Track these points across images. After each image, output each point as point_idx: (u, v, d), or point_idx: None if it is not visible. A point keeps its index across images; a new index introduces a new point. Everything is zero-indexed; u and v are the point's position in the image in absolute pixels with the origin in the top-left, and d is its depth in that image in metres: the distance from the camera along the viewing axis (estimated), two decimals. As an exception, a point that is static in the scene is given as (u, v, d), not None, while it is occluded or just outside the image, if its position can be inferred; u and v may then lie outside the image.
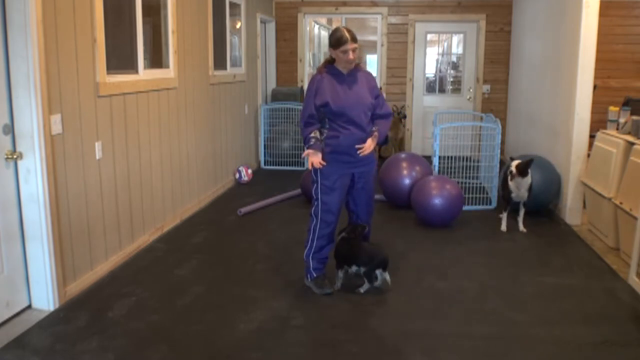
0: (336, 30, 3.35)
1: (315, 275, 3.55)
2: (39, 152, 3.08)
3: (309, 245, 3.54)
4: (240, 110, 6.78)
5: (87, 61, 3.51)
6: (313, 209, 3.49)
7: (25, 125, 3.06)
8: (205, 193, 5.64)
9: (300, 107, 7.49)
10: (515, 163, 4.64)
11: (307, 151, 3.37)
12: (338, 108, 3.31)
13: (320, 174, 3.41)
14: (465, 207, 5.39)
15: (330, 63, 3.43)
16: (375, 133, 3.47)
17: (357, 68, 3.46)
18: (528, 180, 4.63)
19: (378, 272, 3.46)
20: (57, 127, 3.22)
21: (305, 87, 8.50)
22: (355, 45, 3.29)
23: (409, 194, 5.17)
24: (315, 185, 3.46)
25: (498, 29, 8.08)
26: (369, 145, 3.42)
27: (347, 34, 3.28)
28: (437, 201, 4.77)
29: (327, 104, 3.32)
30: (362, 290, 3.50)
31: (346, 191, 3.51)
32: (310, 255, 3.53)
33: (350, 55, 3.29)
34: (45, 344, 2.86)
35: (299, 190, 5.86)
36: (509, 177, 4.65)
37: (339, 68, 3.40)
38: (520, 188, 4.66)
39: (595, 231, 4.70)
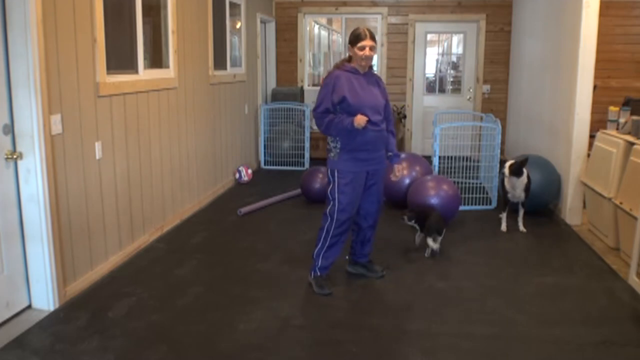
0: (356, 29, 3.48)
1: (319, 274, 3.56)
2: (39, 152, 3.08)
3: (320, 244, 3.55)
4: (240, 110, 6.78)
5: (87, 61, 3.51)
6: (328, 208, 3.50)
7: (25, 125, 3.06)
8: (205, 193, 5.64)
9: (300, 107, 7.61)
10: (508, 163, 4.64)
11: (356, 121, 3.32)
12: (355, 104, 3.38)
13: (338, 174, 3.45)
14: (465, 207, 5.39)
15: (347, 62, 3.51)
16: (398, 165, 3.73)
17: (371, 70, 3.57)
18: (524, 180, 4.63)
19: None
20: (57, 127, 3.22)
21: (306, 87, 8.51)
22: (372, 43, 3.41)
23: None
24: (331, 185, 3.49)
25: (498, 29, 8.08)
26: (400, 169, 3.75)
27: (365, 31, 3.42)
28: (434, 201, 4.76)
29: (344, 99, 3.37)
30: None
31: (362, 190, 3.54)
32: (321, 255, 3.56)
33: (367, 52, 3.39)
34: (45, 344, 2.86)
35: (299, 190, 5.86)
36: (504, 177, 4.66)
37: (355, 67, 3.47)
38: (515, 188, 4.66)
39: (595, 231, 4.70)
